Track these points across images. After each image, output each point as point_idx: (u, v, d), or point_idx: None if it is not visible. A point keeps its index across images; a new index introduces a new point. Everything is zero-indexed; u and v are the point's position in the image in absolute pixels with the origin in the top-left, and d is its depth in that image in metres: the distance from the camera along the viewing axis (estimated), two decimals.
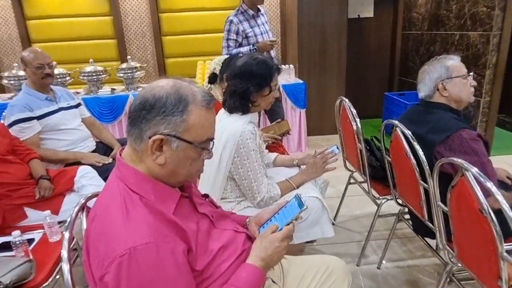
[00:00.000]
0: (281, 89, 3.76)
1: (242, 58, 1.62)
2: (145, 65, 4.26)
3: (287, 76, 4.00)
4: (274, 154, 1.94)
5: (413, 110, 1.66)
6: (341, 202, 2.54)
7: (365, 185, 2.17)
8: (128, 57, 3.87)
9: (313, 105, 4.23)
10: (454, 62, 1.58)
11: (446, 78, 1.56)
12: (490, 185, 1.05)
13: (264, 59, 1.59)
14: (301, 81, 3.88)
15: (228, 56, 2.36)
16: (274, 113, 3.32)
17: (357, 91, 4.97)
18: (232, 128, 1.54)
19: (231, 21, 2.88)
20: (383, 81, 5.17)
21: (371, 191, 2.06)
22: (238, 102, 1.56)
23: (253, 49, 2.89)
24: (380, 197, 2.05)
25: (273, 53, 3.02)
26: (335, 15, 3.99)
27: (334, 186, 2.69)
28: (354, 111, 2.03)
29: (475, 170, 1.09)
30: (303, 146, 4.01)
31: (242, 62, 1.59)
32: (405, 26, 4.79)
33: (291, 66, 4.07)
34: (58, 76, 3.71)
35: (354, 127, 2.01)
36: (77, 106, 2.63)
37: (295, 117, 3.93)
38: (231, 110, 1.60)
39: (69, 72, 3.82)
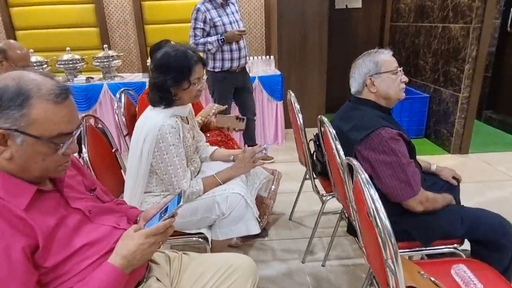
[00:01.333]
0: (256, 81, 3.71)
1: (163, 49, 1.57)
2: (122, 54, 4.22)
3: (267, 68, 3.94)
4: (213, 148, 1.90)
5: (345, 106, 1.60)
6: (297, 198, 2.50)
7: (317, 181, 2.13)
8: (105, 45, 3.85)
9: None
10: (384, 56, 1.50)
11: (374, 73, 1.48)
12: (372, 192, 0.99)
13: (184, 50, 1.53)
14: (278, 73, 3.81)
15: (154, 45, 2.31)
16: (245, 106, 3.27)
17: (344, 83, 4.86)
18: (152, 122, 1.50)
19: (198, 9, 2.82)
20: None
21: (314, 187, 2.01)
22: (158, 96, 1.52)
23: (220, 39, 2.83)
24: (326, 194, 2.01)
25: (242, 43, 2.95)
26: (315, 5, 3.89)
27: (296, 179, 2.64)
28: (297, 106, 1.97)
29: (364, 176, 1.03)
30: (279, 139, 3.96)
31: (161, 54, 1.54)
32: (393, 18, 4.65)
33: (271, 57, 4.00)
34: (35, 64, 3.72)
35: (298, 122, 1.95)
36: None
37: (271, 109, 3.87)
38: (153, 103, 1.56)
39: (46, 60, 3.81)
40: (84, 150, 1.60)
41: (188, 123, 1.70)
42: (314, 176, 2.08)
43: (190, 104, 1.76)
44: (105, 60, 3.75)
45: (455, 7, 3.35)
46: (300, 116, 1.95)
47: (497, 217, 1.45)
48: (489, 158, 3.42)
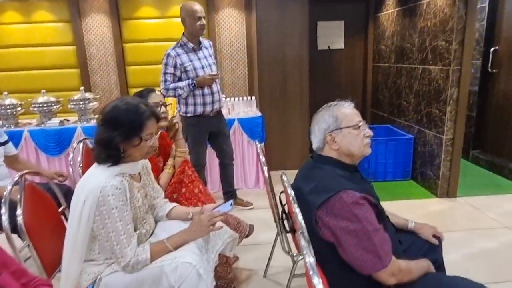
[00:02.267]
0: (236, 123, 3.61)
1: (113, 102, 1.44)
2: (98, 96, 4.14)
3: (248, 109, 3.85)
4: (171, 205, 1.74)
5: (307, 163, 1.46)
6: (271, 253, 2.30)
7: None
8: (81, 88, 3.76)
9: (274, 139, 4.05)
10: (344, 110, 1.39)
11: (334, 129, 1.36)
12: (316, 280, 0.82)
13: (136, 104, 1.42)
14: (258, 115, 3.72)
15: (136, 93, 2.19)
16: (221, 151, 3.15)
17: None
18: (94, 182, 1.35)
19: (168, 55, 2.75)
20: None
21: (285, 246, 1.83)
22: (105, 153, 1.38)
23: (191, 84, 2.74)
24: (297, 254, 1.82)
25: (215, 87, 2.87)
26: (296, 47, 3.87)
27: (275, 228, 2.46)
28: (263, 159, 1.83)
29: (310, 261, 0.87)
30: (261, 182, 3.81)
31: (110, 107, 1.41)
32: (375, 58, 4.66)
33: (253, 98, 3.93)
34: (8, 107, 3.61)
35: (265, 175, 1.81)
36: (3, 144, 2.47)
37: (252, 151, 3.75)
38: (98, 161, 1.41)
39: (20, 102, 3.71)
40: (18, 212, 1.44)
41: (140, 181, 1.54)
42: (287, 229, 1.91)
43: (144, 160, 1.62)
44: (80, 103, 3.64)
45: (433, 50, 3.33)
46: (265, 168, 1.81)
47: None
48: (478, 202, 3.27)
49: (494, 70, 3.96)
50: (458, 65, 3.08)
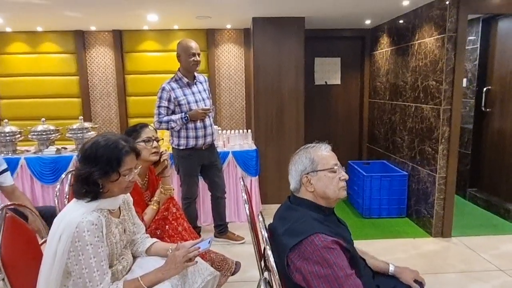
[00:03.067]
0: (230, 155, 3.64)
1: (94, 138, 1.48)
2: (97, 125, 4.22)
3: (244, 141, 3.89)
4: (151, 241, 1.73)
5: (284, 203, 1.46)
6: None
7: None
8: (80, 117, 3.84)
9: (270, 172, 4.06)
10: (321, 153, 1.40)
11: (310, 171, 1.37)
12: None
13: (115, 140, 1.45)
14: (253, 148, 3.75)
15: (130, 128, 2.24)
16: (213, 184, 3.15)
17: None
18: (70, 218, 1.36)
19: (163, 88, 2.83)
20: (353, 148, 5.02)
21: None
22: (83, 188, 1.40)
23: (184, 117, 2.80)
24: None
25: (208, 121, 2.92)
26: (292, 82, 3.96)
27: None
28: (245, 196, 1.84)
29: None
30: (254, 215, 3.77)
31: (90, 143, 1.45)
32: (371, 94, 4.74)
33: (249, 131, 3.98)
34: (7, 134, 3.68)
35: (246, 212, 1.81)
36: (1, 173, 2.50)
37: (246, 185, 3.73)
38: (77, 196, 1.43)
39: (20, 130, 3.78)
40: None
41: (119, 216, 1.55)
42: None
43: (124, 195, 1.63)
44: (78, 132, 3.71)
45: (425, 89, 3.39)
46: (247, 207, 1.81)
47: None
48: (473, 243, 3.20)
49: (487, 109, 4.00)
50: (449, 104, 3.13)
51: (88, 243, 1.33)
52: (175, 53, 2.89)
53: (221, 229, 3.23)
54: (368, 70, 4.77)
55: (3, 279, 1.47)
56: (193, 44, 2.82)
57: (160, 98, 2.83)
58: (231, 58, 4.72)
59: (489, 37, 4.01)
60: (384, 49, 4.32)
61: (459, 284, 2.58)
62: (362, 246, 1.70)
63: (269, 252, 1.24)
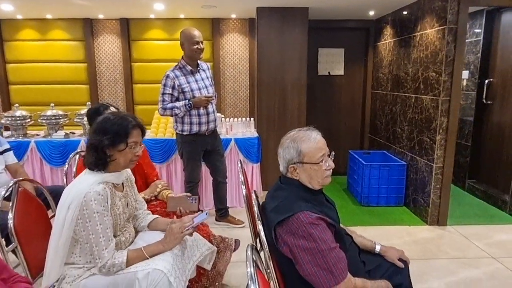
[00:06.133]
0: (232, 142, 3.74)
1: (104, 114, 1.61)
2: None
3: (246, 129, 3.97)
4: (152, 217, 1.84)
5: (275, 184, 1.55)
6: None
7: None
8: (88, 103, 3.96)
9: (271, 160, 4.14)
10: (307, 145, 1.41)
11: (297, 162, 1.42)
12: None
13: (124, 116, 1.59)
14: (255, 136, 3.84)
15: (91, 108, 2.35)
16: (215, 168, 3.25)
17: (328, 146, 4.88)
18: (78, 189, 1.47)
19: (167, 76, 2.92)
20: (355, 138, 5.08)
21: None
22: (94, 157, 1.52)
23: (188, 104, 2.89)
24: None
25: (210, 108, 3.01)
26: (295, 72, 4.02)
27: None
28: (242, 177, 1.93)
29: (251, 270, 0.96)
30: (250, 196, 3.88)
31: (101, 118, 1.59)
32: (374, 85, 4.79)
33: (251, 119, 4.06)
34: (18, 118, 3.81)
35: (243, 195, 1.91)
36: (3, 152, 2.64)
37: (247, 171, 3.84)
38: (88, 165, 1.56)
39: (30, 114, 3.91)
40: (10, 216, 1.56)
41: (122, 191, 1.66)
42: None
43: (128, 171, 1.74)
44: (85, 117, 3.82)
45: (425, 80, 3.44)
46: (244, 187, 1.91)
47: None
48: (468, 231, 3.28)
49: (489, 102, 4.03)
50: (448, 95, 3.18)
51: (95, 211, 1.45)
52: (179, 41, 2.96)
53: (222, 213, 3.35)
54: (371, 61, 4.81)
55: (15, 248, 1.59)
56: (196, 33, 2.90)
57: (165, 85, 2.92)
58: (235, 47, 4.78)
59: (492, 29, 4.02)
60: (387, 40, 4.35)
61: (450, 269, 2.66)
62: (358, 232, 1.79)
63: (260, 227, 1.34)
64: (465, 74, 4.31)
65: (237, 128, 3.93)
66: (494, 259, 2.81)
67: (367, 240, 1.72)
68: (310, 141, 1.43)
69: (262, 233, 1.32)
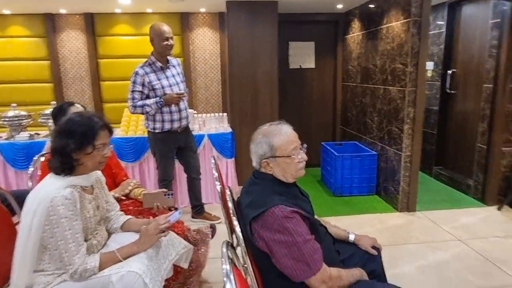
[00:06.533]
0: (206, 138, 3.70)
1: (69, 115, 1.54)
2: None
3: (219, 125, 3.95)
4: (126, 217, 1.80)
5: (249, 179, 1.56)
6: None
7: None
8: (52, 102, 3.79)
9: (245, 154, 4.10)
10: (279, 139, 1.42)
11: (270, 156, 1.42)
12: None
13: (89, 116, 1.52)
14: (228, 131, 3.82)
15: (55, 108, 2.28)
16: (189, 165, 3.22)
17: (299, 139, 4.94)
18: (44, 193, 1.41)
19: (137, 73, 2.85)
20: (327, 130, 5.17)
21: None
22: (59, 161, 1.46)
23: (159, 102, 2.83)
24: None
25: (182, 105, 2.96)
26: (266, 66, 4.02)
27: None
28: (216, 174, 1.92)
29: (227, 267, 0.96)
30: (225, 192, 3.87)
31: (65, 119, 1.52)
32: (344, 78, 4.87)
33: (224, 114, 4.04)
34: None
35: (217, 191, 1.90)
36: None
37: (221, 167, 3.83)
38: (54, 170, 1.49)
39: None
40: None
41: (92, 193, 1.61)
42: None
43: (98, 172, 1.69)
44: (51, 117, 3.67)
45: (392, 72, 3.54)
46: (218, 184, 1.90)
47: None
48: (436, 216, 3.43)
49: (452, 91, 4.20)
50: (414, 86, 3.28)
51: (62, 216, 1.39)
52: (149, 36, 2.89)
53: (198, 210, 3.32)
54: (341, 54, 4.89)
55: None
56: (166, 28, 2.83)
57: (134, 82, 2.85)
58: (206, 42, 4.72)
59: (454, 22, 4.18)
60: (356, 33, 4.44)
61: (420, 254, 2.77)
62: (332, 222, 1.83)
63: (235, 222, 1.34)
64: (430, 65, 4.47)
65: (210, 124, 3.90)
66: (460, 241, 2.95)
67: (341, 230, 1.76)
68: (282, 135, 1.44)
69: (238, 229, 1.32)
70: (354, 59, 4.50)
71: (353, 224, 3.29)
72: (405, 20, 3.28)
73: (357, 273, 1.46)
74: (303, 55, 4.98)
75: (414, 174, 3.44)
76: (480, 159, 3.72)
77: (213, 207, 3.65)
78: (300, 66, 4.99)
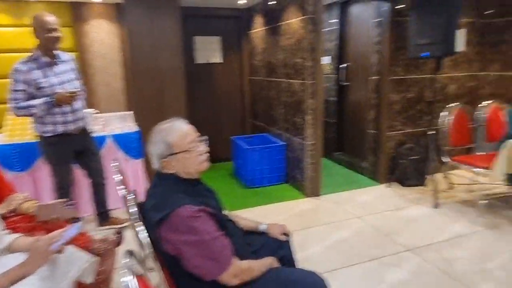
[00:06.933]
0: (109, 139, 3.45)
1: None
2: None
3: (123, 124, 3.70)
4: (13, 236, 1.58)
5: (153, 180, 1.50)
6: None
7: None
8: None
9: None
10: (174, 135, 1.40)
11: (168, 154, 1.39)
12: None
13: None
14: (134, 130, 3.62)
15: None
16: (91, 169, 2.97)
17: (210, 134, 4.93)
18: None
19: (16, 70, 2.49)
20: (238, 124, 5.25)
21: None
22: None
23: (49, 102, 2.53)
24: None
25: (77, 104, 2.70)
26: (170, 61, 3.89)
27: None
28: (118, 177, 1.81)
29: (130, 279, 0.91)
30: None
31: None
32: (251, 72, 4.99)
33: (129, 112, 3.80)
34: None
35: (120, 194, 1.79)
36: None
37: (129, 168, 3.61)
38: None
39: None
40: None
41: None
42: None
43: None
44: None
45: (293, 66, 3.74)
46: (121, 188, 1.79)
47: (311, 277, 1.48)
48: (338, 198, 3.76)
49: (346, 83, 4.62)
50: (313, 79, 3.52)
51: None
52: (31, 28, 2.55)
53: (104, 216, 3.10)
54: (246, 49, 4.99)
55: None
56: (50, 18, 2.53)
57: (15, 81, 2.49)
58: (103, 35, 4.37)
59: (345, 20, 4.59)
60: (259, 28, 4.57)
61: (325, 234, 3.01)
62: (244, 214, 1.86)
63: (139, 228, 1.27)
64: (327, 59, 4.84)
65: (113, 123, 3.64)
66: (358, 218, 3.29)
67: (251, 222, 1.80)
68: (176, 130, 1.43)
69: (142, 235, 1.26)
70: (259, 54, 4.63)
71: (266, 214, 3.42)
72: (302, 17, 3.48)
73: (268, 262, 1.51)
74: (209, 50, 4.95)
75: (318, 161, 3.71)
76: (371, 143, 4.18)
77: (121, 212, 3.43)
78: (207, 60, 4.95)
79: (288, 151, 4.08)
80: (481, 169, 3.17)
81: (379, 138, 4.04)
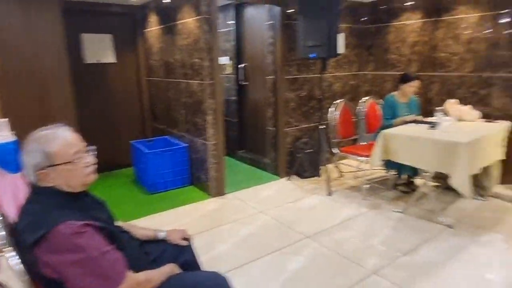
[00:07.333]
0: None
1: None
2: None
3: None
4: None
5: (28, 195, 1.33)
6: None
7: None
8: None
9: None
10: (55, 144, 1.25)
11: (47, 166, 1.24)
12: None
13: None
14: (11, 139, 3.15)
15: None
16: None
17: (107, 139, 4.60)
18: None
19: None
20: (137, 128, 4.99)
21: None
22: None
23: None
24: None
25: None
26: (53, 61, 3.50)
27: None
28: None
29: None
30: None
31: None
32: (148, 73, 4.79)
33: (3, 120, 3.29)
34: None
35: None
36: None
37: (6, 184, 3.14)
38: None
39: None
40: None
41: None
42: None
43: None
44: None
45: (191, 66, 3.70)
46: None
47: (213, 278, 1.49)
48: (243, 195, 3.85)
49: (245, 83, 4.76)
50: (211, 79, 3.54)
51: None
52: None
53: None
54: (142, 48, 4.77)
55: None
56: None
57: None
58: None
59: (241, 21, 4.71)
60: (154, 27, 4.40)
61: (233, 231, 3.06)
62: (149, 221, 1.76)
63: (9, 254, 1.11)
64: (226, 59, 4.92)
65: None
66: (262, 213, 3.42)
67: (149, 231, 1.73)
68: (58, 138, 1.27)
69: (13, 262, 1.10)
70: (156, 54, 4.47)
71: (171, 218, 3.32)
72: (197, 17, 3.46)
73: (167, 269, 1.47)
74: (100, 49, 4.59)
75: (221, 160, 3.75)
76: (271, 140, 4.39)
77: None
78: (98, 60, 4.58)
79: (191, 153, 4.03)
80: (364, 158, 3.59)
81: (278, 135, 4.27)
